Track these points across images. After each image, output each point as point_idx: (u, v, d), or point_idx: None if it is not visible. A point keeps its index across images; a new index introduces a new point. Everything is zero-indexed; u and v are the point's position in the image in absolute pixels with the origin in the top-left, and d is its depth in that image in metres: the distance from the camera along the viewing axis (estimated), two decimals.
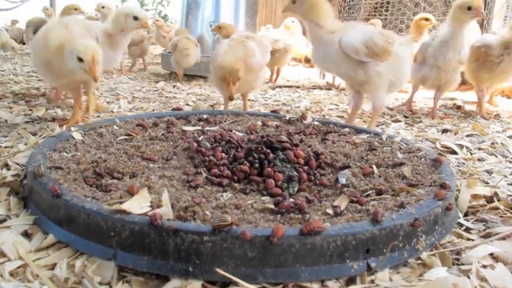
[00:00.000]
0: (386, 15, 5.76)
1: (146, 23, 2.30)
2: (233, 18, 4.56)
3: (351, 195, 1.16)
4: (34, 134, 1.83)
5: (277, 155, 1.35)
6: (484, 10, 4.33)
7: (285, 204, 1.04)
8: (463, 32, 2.50)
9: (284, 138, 1.45)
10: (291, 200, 1.10)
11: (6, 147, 1.63)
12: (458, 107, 3.06)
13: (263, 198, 1.16)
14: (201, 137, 1.62)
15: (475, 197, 1.35)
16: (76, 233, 0.97)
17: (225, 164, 1.31)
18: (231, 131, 1.74)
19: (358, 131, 1.81)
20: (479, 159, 1.81)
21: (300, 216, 1.01)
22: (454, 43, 2.51)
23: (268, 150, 1.36)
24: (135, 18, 2.23)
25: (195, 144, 1.47)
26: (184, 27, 4.14)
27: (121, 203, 0.98)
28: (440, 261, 1.00)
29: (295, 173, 1.28)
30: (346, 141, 1.64)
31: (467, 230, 1.18)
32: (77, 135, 1.52)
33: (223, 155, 1.38)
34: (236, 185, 1.24)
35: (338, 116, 2.58)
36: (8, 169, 1.37)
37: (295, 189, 1.23)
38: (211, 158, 1.35)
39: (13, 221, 1.08)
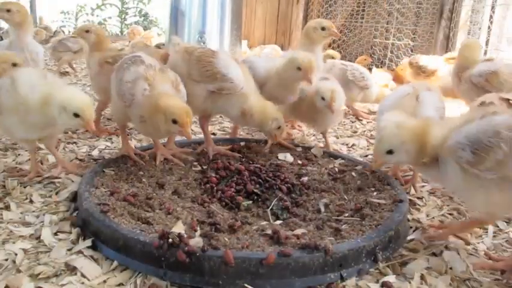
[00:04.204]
0: (361, 22, 6.20)
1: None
2: (219, 29, 4.81)
3: (328, 220, 1.57)
4: None
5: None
6: (450, 23, 4.71)
7: (281, 234, 1.43)
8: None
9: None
10: (282, 222, 1.50)
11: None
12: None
13: (263, 223, 1.56)
14: (206, 166, 2.00)
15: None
16: (133, 258, 1.34)
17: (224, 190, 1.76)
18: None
19: (335, 157, 2.21)
20: None
21: (295, 241, 1.40)
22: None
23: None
24: None
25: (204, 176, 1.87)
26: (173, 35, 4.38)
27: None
28: (392, 270, 1.40)
29: (286, 202, 1.69)
30: (325, 168, 2.04)
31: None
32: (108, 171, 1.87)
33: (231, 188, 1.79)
34: (242, 213, 1.64)
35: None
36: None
37: (286, 215, 1.64)
38: (220, 188, 1.76)
39: (79, 246, 1.42)
